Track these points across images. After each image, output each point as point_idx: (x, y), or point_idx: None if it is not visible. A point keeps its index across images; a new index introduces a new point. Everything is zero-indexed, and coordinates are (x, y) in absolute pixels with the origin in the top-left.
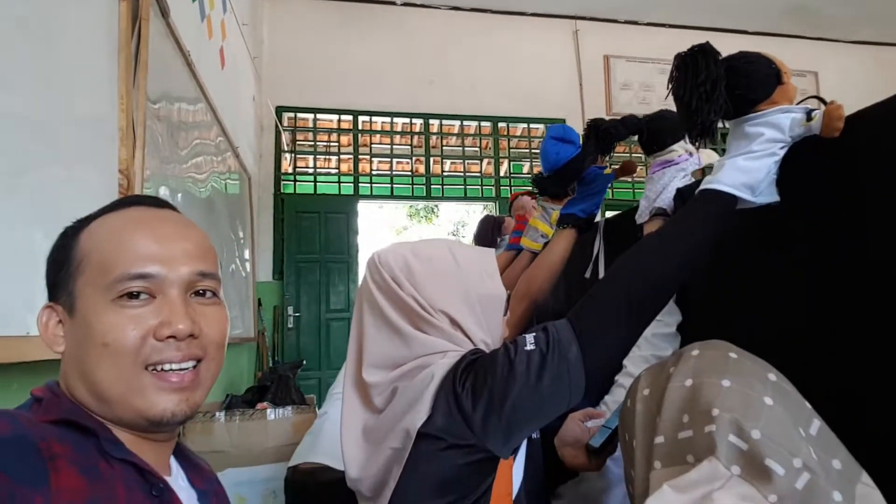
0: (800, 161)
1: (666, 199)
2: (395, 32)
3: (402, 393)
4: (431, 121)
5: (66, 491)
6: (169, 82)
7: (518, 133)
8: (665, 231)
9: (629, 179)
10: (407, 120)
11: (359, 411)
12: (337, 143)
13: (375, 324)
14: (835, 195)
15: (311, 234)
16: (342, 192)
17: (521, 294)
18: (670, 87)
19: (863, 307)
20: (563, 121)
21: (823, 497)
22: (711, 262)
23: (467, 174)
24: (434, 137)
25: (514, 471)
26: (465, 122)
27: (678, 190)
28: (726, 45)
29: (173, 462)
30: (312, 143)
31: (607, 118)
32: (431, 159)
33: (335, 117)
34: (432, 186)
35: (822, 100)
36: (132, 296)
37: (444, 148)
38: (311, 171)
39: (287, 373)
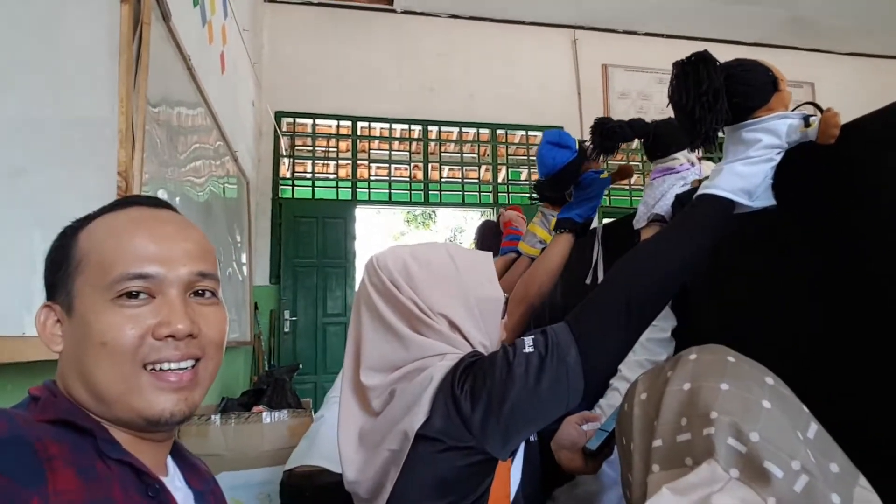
0: (795, 166)
1: (664, 206)
2: (395, 39)
3: (400, 395)
4: (430, 127)
5: (62, 492)
6: (169, 86)
7: (516, 140)
8: (663, 235)
9: (626, 185)
10: (405, 126)
11: (356, 414)
12: (335, 149)
13: (374, 326)
14: (831, 200)
15: (308, 239)
16: (340, 198)
17: (519, 298)
18: (670, 95)
19: (860, 312)
20: (561, 129)
21: (822, 500)
22: (710, 266)
23: (465, 181)
24: (432, 144)
25: (513, 473)
26: (464, 129)
27: (677, 196)
28: (724, 56)
29: (170, 462)
30: (311, 148)
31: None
32: (430, 165)
33: (334, 123)
34: (430, 192)
35: (818, 107)
36: (131, 295)
37: (443, 154)
38: (309, 175)
39: (283, 376)
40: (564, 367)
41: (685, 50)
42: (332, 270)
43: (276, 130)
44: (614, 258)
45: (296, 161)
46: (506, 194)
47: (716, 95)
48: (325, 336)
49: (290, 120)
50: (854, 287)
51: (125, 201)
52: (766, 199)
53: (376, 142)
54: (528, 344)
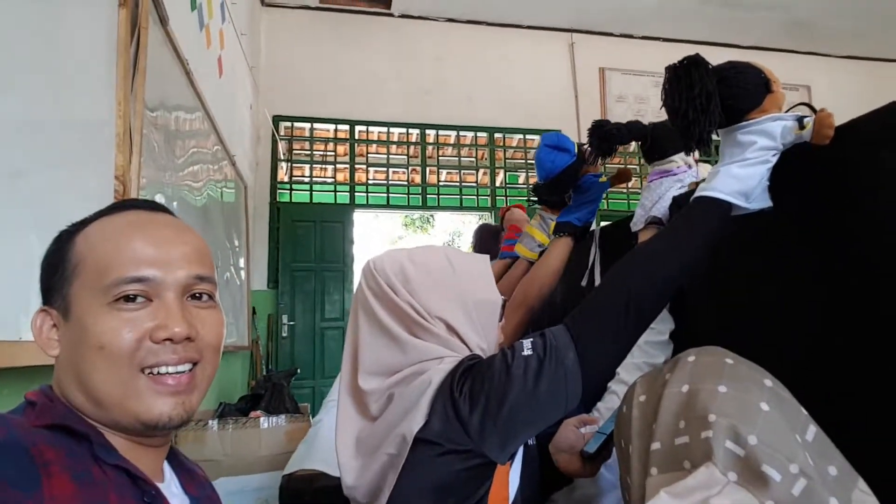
0: (791, 168)
1: (661, 209)
2: (393, 43)
3: (398, 399)
4: (428, 131)
5: (57, 497)
6: (167, 90)
7: (514, 144)
8: (661, 238)
9: (624, 188)
10: (403, 130)
11: (354, 419)
12: (333, 153)
13: (371, 330)
14: (828, 201)
15: (306, 243)
16: (338, 202)
17: (518, 302)
18: (663, 98)
19: (857, 312)
20: (559, 132)
21: (820, 503)
22: (708, 267)
23: (463, 184)
24: (430, 147)
25: (511, 477)
26: (462, 133)
27: (674, 198)
28: (720, 59)
29: (166, 468)
30: (309, 152)
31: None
32: (427, 169)
33: (332, 127)
34: (428, 196)
35: (811, 108)
36: (128, 299)
37: (440, 158)
38: (307, 180)
39: (281, 381)
40: (563, 370)
41: (682, 53)
42: (329, 274)
43: (273, 134)
44: (611, 261)
45: (293, 165)
46: (504, 197)
47: (708, 98)
48: (322, 340)
49: (288, 124)
50: (851, 288)
51: (122, 205)
52: (762, 201)
53: (374, 145)
54: (527, 347)
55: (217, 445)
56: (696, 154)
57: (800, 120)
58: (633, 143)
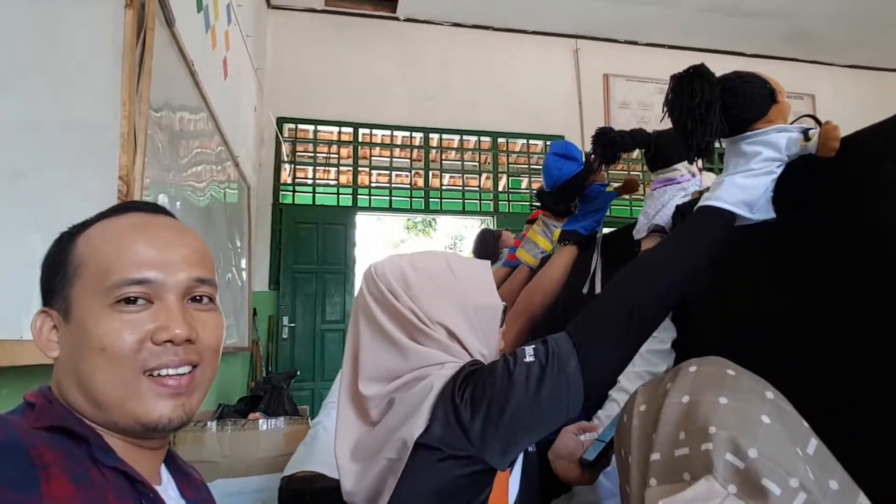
0: (796, 179)
1: (664, 217)
2: (398, 47)
3: (399, 404)
4: (431, 135)
5: (56, 498)
6: (172, 91)
7: (517, 149)
8: (664, 246)
9: (628, 197)
10: (407, 133)
11: (354, 424)
12: (337, 155)
13: (372, 336)
14: (832, 213)
15: (308, 245)
16: (341, 204)
17: (521, 309)
18: (665, 108)
19: (861, 323)
20: (562, 138)
21: None
22: (711, 277)
23: (466, 188)
24: (433, 151)
25: (511, 483)
26: (465, 137)
27: (677, 207)
28: (724, 67)
29: (164, 471)
30: (312, 154)
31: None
32: (430, 173)
33: (335, 129)
34: (431, 200)
35: (816, 119)
36: (129, 301)
37: (444, 162)
38: (310, 182)
39: (280, 383)
40: (565, 377)
41: (686, 61)
42: (331, 277)
43: (277, 136)
44: (613, 268)
45: (297, 167)
46: (506, 202)
47: (708, 108)
48: (323, 343)
49: (292, 126)
50: (855, 298)
51: (123, 207)
52: (766, 212)
53: (377, 149)
54: (529, 353)
55: (216, 447)
56: (700, 163)
57: (805, 132)
58: (638, 151)
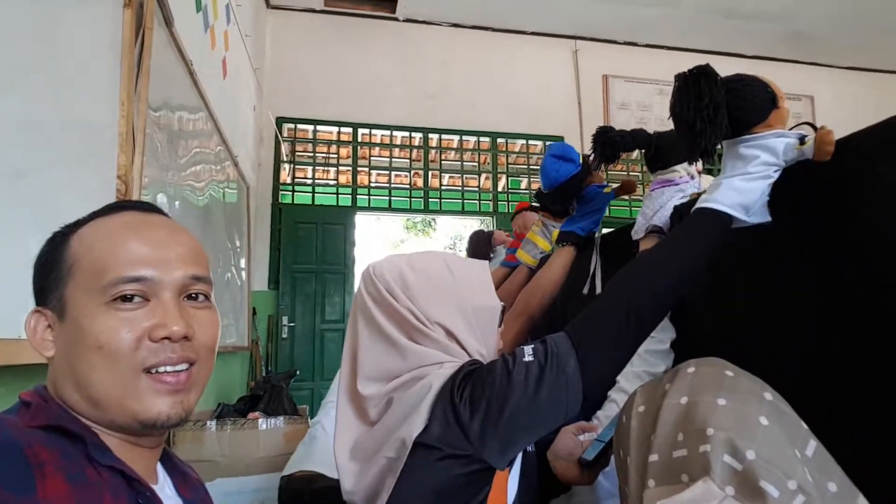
0: (792, 182)
1: (662, 218)
2: (397, 47)
3: (398, 403)
4: (431, 135)
5: (52, 499)
6: (170, 90)
7: (516, 149)
8: (662, 247)
9: (627, 198)
10: (406, 133)
11: (353, 424)
12: (336, 155)
13: (371, 336)
14: (829, 215)
15: (307, 245)
16: (340, 204)
17: (520, 310)
18: (672, 107)
19: (858, 325)
20: (562, 138)
21: None
22: (710, 278)
23: (465, 189)
24: (433, 151)
25: (510, 483)
26: (464, 137)
27: (675, 207)
28: (724, 69)
29: (160, 469)
30: (312, 154)
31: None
32: (430, 173)
33: (335, 129)
34: (430, 200)
35: (813, 126)
36: (125, 299)
37: (443, 162)
38: (309, 181)
39: (280, 383)
40: (564, 377)
41: (685, 62)
42: (330, 277)
43: (276, 136)
44: (612, 268)
45: (296, 167)
46: (506, 203)
47: (716, 109)
48: (322, 342)
49: (292, 126)
50: (853, 300)
51: (117, 206)
52: (761, 216)
53: (377, 149)
54: (528, 353)
55: (215, 446)
56: (700, 165)
57: (801, 138)
58: (637, 151)
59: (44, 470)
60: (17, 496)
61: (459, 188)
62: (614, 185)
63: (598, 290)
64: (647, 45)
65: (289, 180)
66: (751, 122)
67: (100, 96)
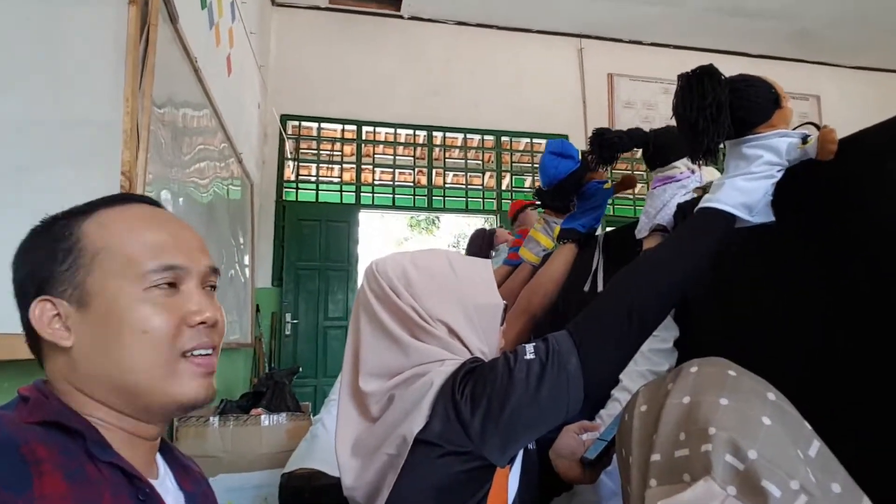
0: (796, 181)
1: (666, 217)
2: (402, 45)
3: (399, 400)
4: (435, 133)
5: (48, 496)
6: (175, 87)
7: (521, 147)
8: (665, 246)
9: (629, 195)
10: (410, 131)
11: (355, 420)
12: (340, 153)
13: (373, 333)
14: (833, 213)
15: (311, 242)
16: (344, 201)
17: (522, 309)
18: (674, 106)
19: (865, 324)
20: (566, 137)
21: None
22: (714, 277)
23: (469, 187)
24: (437, 149)
25: (510, 481)
26: (469, 136)
27: (679, 206)
28: (729, 68)
29: (161, 462)
30: (316, 151)
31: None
32: (434, 171)
33: (339, 127)
34: (434, 198)
35: (816, 126)
36: (160, 287)
37: (447, 160)
38: (313, 179)
39: (283, 379)
40: (565, 375)
41: (690, 61)
42: (334, 274)
43: (281, 133)
44: (615, 267)
45: (300, 164)
46: (509, 201)
47: (719, 108)
48: (325, 339)
49: (296, 123)
50: (859, 298)
51: (121, 197)
52: (765, 215)
53: (381, 146)
54: (530, 351)
55: (218, 442)
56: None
57: (804, 138)
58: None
59: (41, 467)
60: (13, 495)
61: (463, 186)
62: (615, 182)
63: (600, 288)
64: (651, 44)
65: (293, 177)
66: (754, 122)
67: (104, 93)
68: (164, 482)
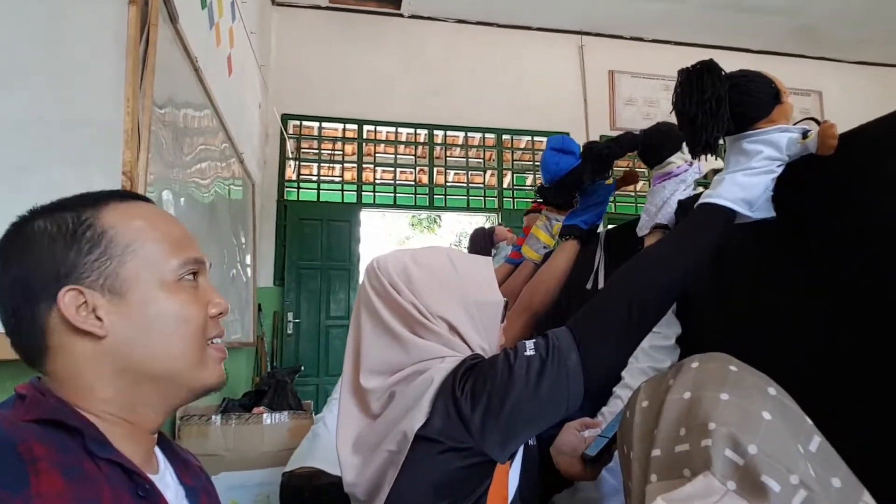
0: (797, 177)
1: (667, 216)
2: (402, 43)
3: (400, 397)
4: (436, 131)
5: (46, 494)
6: (176, 87)
7: (522, 146)
8: (665, 242)
9: (632, 191)
10: (411, 130)
11: (356, 417)
12: (341, 152)
13: (374, 329)
14: (834, 209)
15: (312, 242)
16: (345, 201)
17: (524, 306)
18: (674, 101)
19: (866, 320)
20: (567, 134)
21: None
22: (715, 273)
23: (470, 185)
24: (438, 148)
25: (511, 476)
26: (469, 134)
27: (679, 202)
28: (730, 64)
29: (161, 457)
30: (317, 150)
31: (611, 133)
32: (435, 170)
33: (340, 126)
34: (435, 197)
35: (816, 121)
36: (187, 278)
37: (448, 159)
38: (314, 178)
39: (285, 378)
40: (565, 371)
41: (692, 57)
42: (335, 273)
43: (282, 133)
44: (616, 263)
45: (301, 163)
46: (511, 199)
47: (718, 103)
48: (327, 338)
49: (297, 122)
50: (859, 294)
51: (119, 194)
52: (765, 211)
53: (382, 145)
54: (530, 347)
55: (220, 440)
56: (705, 159)
57: (804, 133)
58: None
59: (37, 465)
60: (10, 494)
61: (465, 185)
62: (617, 177)
63: (602, 285)
64: (653, 41)
65: (294, 177)
66: (754, 117)
67: (105, 93)
68: (165, 477)
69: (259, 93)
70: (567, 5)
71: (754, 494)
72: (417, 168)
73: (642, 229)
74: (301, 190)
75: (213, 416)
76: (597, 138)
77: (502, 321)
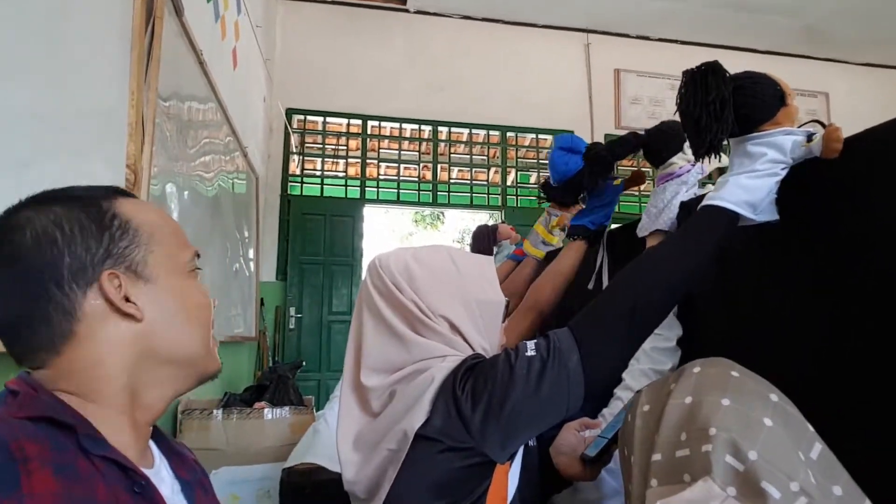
0: (801, 180)
1: (667, 221)
2: (407, 39)
3: (400, 395)
4: (440, 128)
5: (38, 495)
6: (180, 80)
7: (526, 143)
8: (668, 244)
9: (636, 191)
10: (416, 126)
11: (356, 415)
12: (345, 147)
13: (375, 327)
14: (839, 213)
15: (316, 237)
16: (349, 196)
17: (529, 305)
18: (678, 102)
19: (870, 323)
20: (572, 132)
21: None
22: (717, 276)
23: (474, 182)
24: (442, 144)
25: (510, 477)
26: (474, 131)
27: (682, 203)
28: (736, 64)
29: (156, 451)
30: (321, 145)
31: (616, 132)
32: (439, 166)
33: (344, 121)
34: (439, 193)
35: (821, 123)
36: (195, 270)
37: (452, 155)
38: (318, 173)
39: (286, 373)
40: (566, 372)
41: (697, 57)
42: (338, 268)
43: (286, 127)
44: (619, 264)
45: (305, 158)
46: (514, 197)
47: (722, 105)
48: (329, 334)
49: (301, 117)
50: (864, 297)
51: (117, 190)
52: (769, 214)
53: (386, 141)
54: (531, 347)
55: (221, 435)
56: (708, 160)
57: (809, 136)
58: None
59: (29, 465)
60: (1, 496)
61: (468, 181)
62: (625, 178)
63: (604, 285)
64: (659, 40)
65: (298, 172)
66: (759, 119)
67: (109, 85)
68: (160, 471)
69: (264, 87)
70: (573, 3)
71: (754, 500)
72: (421, 164)
73: (642, 230)
74: (304, 185)
75: (215, 411)
76: (601, 137)
77: (503, 321)
